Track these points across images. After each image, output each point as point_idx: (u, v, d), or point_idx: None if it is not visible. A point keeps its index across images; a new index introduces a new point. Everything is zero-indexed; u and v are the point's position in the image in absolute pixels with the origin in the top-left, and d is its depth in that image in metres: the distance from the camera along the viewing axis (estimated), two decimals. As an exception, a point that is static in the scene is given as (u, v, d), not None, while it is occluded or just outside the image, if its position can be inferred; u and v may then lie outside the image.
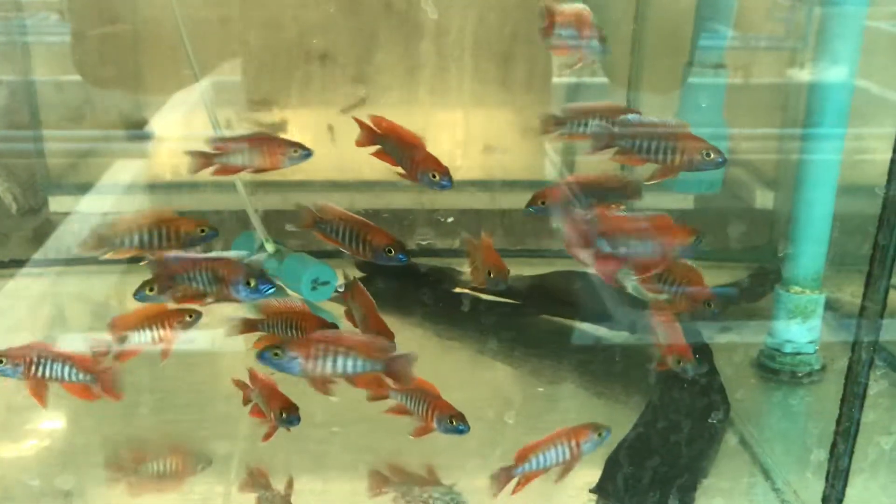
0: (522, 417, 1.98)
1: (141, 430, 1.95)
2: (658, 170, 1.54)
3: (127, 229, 1.59)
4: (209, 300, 1.61)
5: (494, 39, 2.78)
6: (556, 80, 2.82)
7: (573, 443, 1.55)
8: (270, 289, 1.57)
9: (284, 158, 1.64)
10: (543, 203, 1.71)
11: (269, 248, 2.46)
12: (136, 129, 2.80)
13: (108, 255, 1.61)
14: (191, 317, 1.71)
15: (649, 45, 2.57)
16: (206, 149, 1.63)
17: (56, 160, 2.86)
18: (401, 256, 1.65)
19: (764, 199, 2.77)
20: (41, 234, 2.76)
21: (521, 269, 2.55)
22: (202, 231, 1.64)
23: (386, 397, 1.68)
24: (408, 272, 2.50)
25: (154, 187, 2.84)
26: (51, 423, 1.97)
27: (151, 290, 1.61)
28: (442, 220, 2.72)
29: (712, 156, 1.50)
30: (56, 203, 2.84)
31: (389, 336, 1.69)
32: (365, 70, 2.80)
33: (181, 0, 2.47)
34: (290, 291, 2.47)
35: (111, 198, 2.80)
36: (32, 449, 1.89)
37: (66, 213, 2.81)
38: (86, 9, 2.67)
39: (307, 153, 1.63)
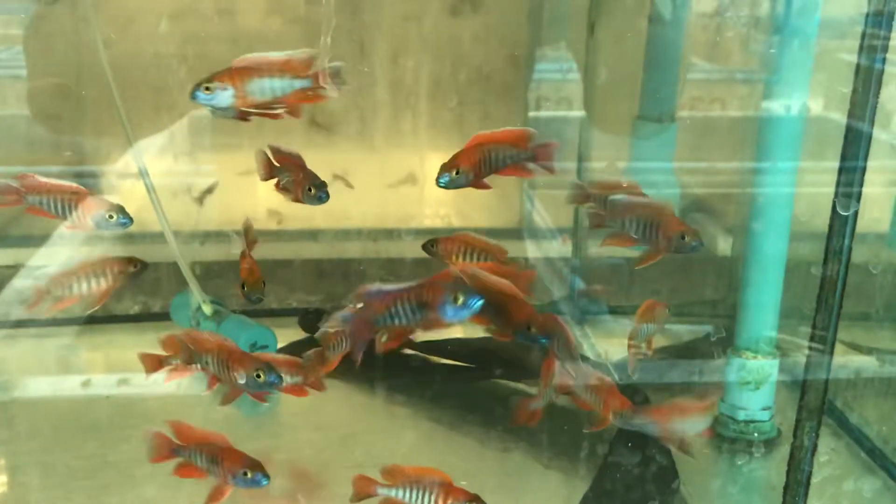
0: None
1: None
2: (645, 254, 1.58)
3: None
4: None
5: (449, 83, 2.72)
6: (532, 114, 2.76)
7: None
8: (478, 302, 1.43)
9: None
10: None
11: (207, 309, 2.38)
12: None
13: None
14: (135, 267, 1.63)
15: (600, 97, 2.51)
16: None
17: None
18: None
19: (725, 245, 2.69)
20: (-21, 291, 2.67)
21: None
22: None
23: (371, 495, 1.58)
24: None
25: (92, 239, 2.75)
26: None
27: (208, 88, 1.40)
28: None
29: (686, 239, 1.52)
30: (-4, 256, 2.75)
31: None
32: (318, 117, 2.74)
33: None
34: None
35: (59, 250, 2.71)
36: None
37: (10, 267, 2.71)
38: (37, 53, 2.59)
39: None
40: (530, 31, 2.66)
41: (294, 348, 2.40)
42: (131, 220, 1.53)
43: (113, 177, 2.68)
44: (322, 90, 1.41)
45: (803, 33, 1.87)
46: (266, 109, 1.42)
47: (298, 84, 1.39)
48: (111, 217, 1.50)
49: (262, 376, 1.54)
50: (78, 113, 2.65)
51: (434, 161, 2.85)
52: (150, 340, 2.55)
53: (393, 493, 1.55)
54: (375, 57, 2.64)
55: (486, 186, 1.54)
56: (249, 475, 1.55)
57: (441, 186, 1.46)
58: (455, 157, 1.48)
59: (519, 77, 2.71)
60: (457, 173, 1.46)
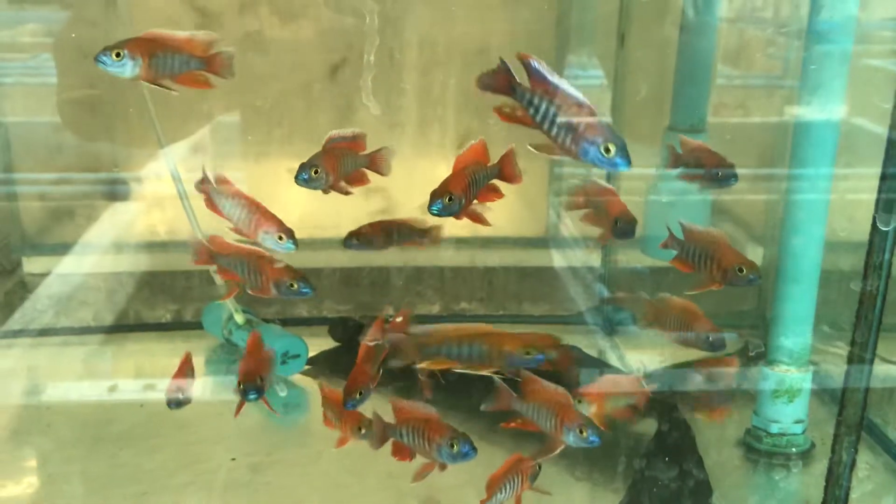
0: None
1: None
2: (701, 281, 1.59)
3: None
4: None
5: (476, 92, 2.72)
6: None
7: None
8: None
9: None
10: None
11: (239, 318, 2.40)
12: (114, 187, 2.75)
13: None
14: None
15: (629, 106, 2.50)
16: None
17: (30, 219, 2.80)
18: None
19: (754, 255, 2.68)
20: (13, 298, 2.70)
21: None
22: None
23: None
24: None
25: (125, 246, 2.78)
26: None
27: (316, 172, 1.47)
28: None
29: (744, 272, 1.54)
30: (31, 264, 2.78)
31: None
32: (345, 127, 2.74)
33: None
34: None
35: (91, 258, 2.74)
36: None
37: (42, 275, 2.75)
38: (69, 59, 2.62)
39: None
40: (559, 40, 2.66)
41: (325, 357, 2.42)
42: (313, 289, 1.54)
43: (144, 183, 2.71)
44: (216, 73, 1.40)
45: (840, 40, 1.86)
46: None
47: (194, 64, 1.38)
48: (293, 286, 1.52)
49: (455, 447, 1.54)
50: (108, 120, 2.68)
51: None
52: (181, 349, 2.59)
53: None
54: (404, 66, 2.65)
55: (479, 218, 1.52)
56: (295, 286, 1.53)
57: (434, 214, 1.40)
58: (445, 183, 1.42)
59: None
60: (449, 199, 1.40)
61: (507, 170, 1.52)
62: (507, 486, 1.60)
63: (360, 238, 1.84)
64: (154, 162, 2.65)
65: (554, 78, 1.22)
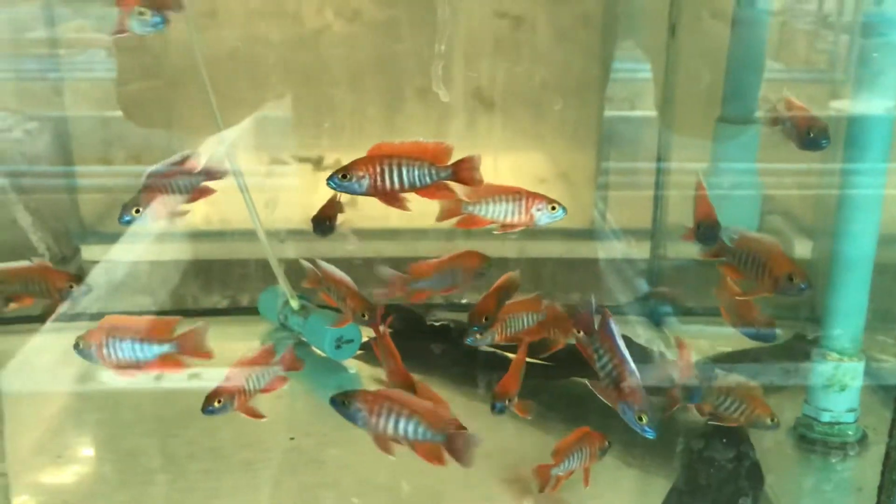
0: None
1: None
2: (752, 289, 1.69)
3: None
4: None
5: (525, 87, 2.76)
6: (608, 114, 2.78)
7: None
8: None
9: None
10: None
11: (294, 304, 2.45)
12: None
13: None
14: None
15: (680, 98, 2.51)
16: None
17: (89, 207, 2.88)
18: None
19: (802, 248, 2.67)
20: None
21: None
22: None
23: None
24: (421, 328, 2.47)
25: (182, 236, 2.85)
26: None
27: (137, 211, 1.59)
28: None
29: (794, 280, 1.62)
30: (89, 251, 2.86)
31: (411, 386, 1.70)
32: (394, 119, 2.79)
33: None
34: (314, 349, 2.46)
35: (143, 246, 2.80)
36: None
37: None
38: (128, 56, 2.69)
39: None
40: (607, 32, 2.67)
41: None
42: None
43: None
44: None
45: (892, 33, 1.86)
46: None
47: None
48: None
49: None
50: (167, 111, 2.74)
51: (508, 161, 2.88)
52: (237, 333, 2.66)
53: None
54: (453, 57, 2.68)
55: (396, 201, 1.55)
56: None
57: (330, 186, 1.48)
58: (354, 162, 1.49)
59: (596, 78, 2.73)
60: (343, 177, 1.48)
61: (463, 174, 1.59)
62: (575, 457, 1.64)
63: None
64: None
65: (619, 341, 1.50)
